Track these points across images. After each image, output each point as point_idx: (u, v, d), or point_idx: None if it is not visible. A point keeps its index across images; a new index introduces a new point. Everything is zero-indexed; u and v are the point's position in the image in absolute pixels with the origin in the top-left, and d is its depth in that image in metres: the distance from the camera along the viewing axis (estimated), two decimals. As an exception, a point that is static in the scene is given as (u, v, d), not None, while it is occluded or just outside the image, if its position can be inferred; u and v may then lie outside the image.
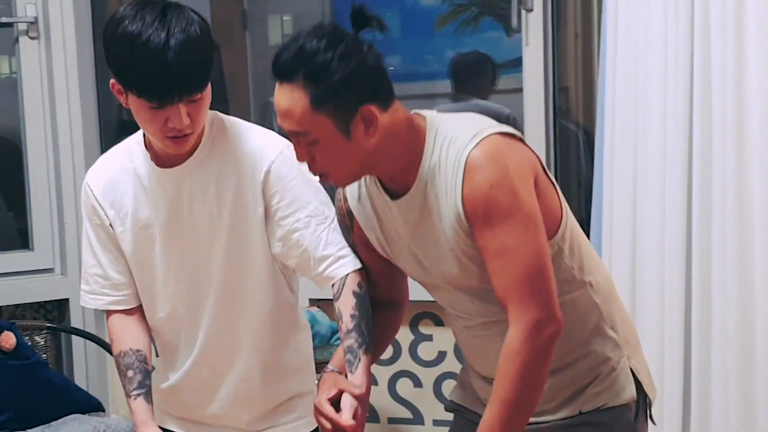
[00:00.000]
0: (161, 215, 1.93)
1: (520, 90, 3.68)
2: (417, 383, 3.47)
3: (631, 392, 1.78)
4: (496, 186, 1.60)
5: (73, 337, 3.51)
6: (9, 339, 3.29)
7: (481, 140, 1.62)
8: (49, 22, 3.46)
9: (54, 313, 3.55)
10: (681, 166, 2.59)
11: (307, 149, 1.67)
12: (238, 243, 1.91)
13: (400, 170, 1.70)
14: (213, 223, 1.90)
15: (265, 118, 4.96)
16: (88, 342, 3.46)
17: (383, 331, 1.89)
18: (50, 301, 3.52)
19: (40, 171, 3.49)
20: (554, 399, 1.78)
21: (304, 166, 1.72)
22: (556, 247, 1.70)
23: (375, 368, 3.52)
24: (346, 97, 1.61)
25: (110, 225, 1.97)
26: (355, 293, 1.85)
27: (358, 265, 1.87)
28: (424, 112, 1.73)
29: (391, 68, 5.13)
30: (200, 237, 1.91)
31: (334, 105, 1.62)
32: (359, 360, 1.79)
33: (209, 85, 1.79)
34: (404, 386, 3.48)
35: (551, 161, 3.05)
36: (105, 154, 2.04)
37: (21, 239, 3.63)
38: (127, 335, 2.02)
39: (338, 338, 3.10)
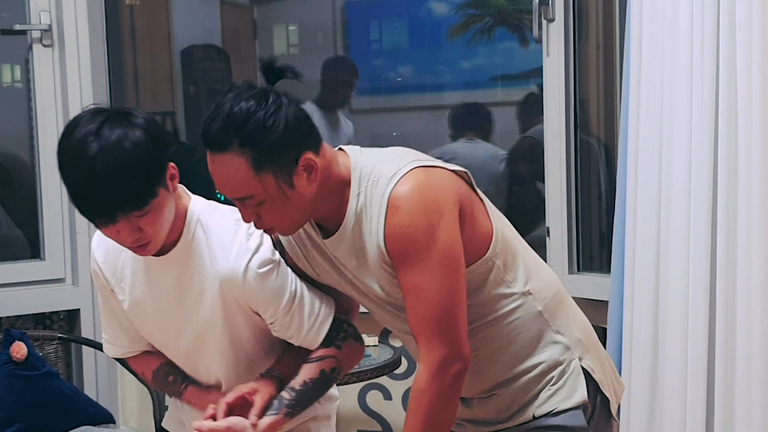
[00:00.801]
0: (153, 295, 1.93)
1: (536, 100, 3.66)
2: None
3: (582, 394, 1.79)
4: (412, 225, 1.64)
5: (84, 347, 3.48)
6: (20, 349, 3.27)
7: (401, 178, 1.66)
8: (63, 30, 3.44)
9: (64, 323, 3.52)
10: (706, 179, 2.56)
11: (253, 210, 1.70)
12: (229, 320, 1.90)
13: (331, 210, 1.75)
14: (203, 306, 1.90)
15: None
16: (99, 353, 3.43)
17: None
18: (61, 311, 3.50)
19: (52, 180, 3.46)
20: (509, 409, 1.81)
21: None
22: (489, 263, 1.74)
23: (389, 382, 3.53)
24: (285, 152, 1.65)
25: (111, 290, 1.99)
26: (322, 371, 1.88)
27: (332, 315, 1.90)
28: (349, 150, 1.76)
29: (398, 79, 5.09)
30: (191, 320, 1.91)
31: (276, 163, 1.65)
32: (277, 414, 1.84)
33: (163, 192, 1.74)
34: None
35: (571, 173, 3.02)
36: None
37: (32, 249, 3.60)
38: (152, 358, 2.05)
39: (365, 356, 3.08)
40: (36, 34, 3.44)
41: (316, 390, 1.88)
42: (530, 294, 1.77)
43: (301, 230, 1.80)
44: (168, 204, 1.78)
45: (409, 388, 3.37)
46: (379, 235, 1.69)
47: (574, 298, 3.09)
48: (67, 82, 3.46)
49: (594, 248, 3.17)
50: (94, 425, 3.23)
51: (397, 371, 3.24)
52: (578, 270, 3.09)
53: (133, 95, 4.45)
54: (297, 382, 1.86)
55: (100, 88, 3.55)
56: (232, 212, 1.83)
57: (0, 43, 3.74)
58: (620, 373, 2.68)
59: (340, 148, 1.78)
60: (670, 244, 2.64)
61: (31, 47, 3.46)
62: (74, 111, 3.48)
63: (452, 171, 1.72)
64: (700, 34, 2.54)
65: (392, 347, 3.20)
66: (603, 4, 3.09)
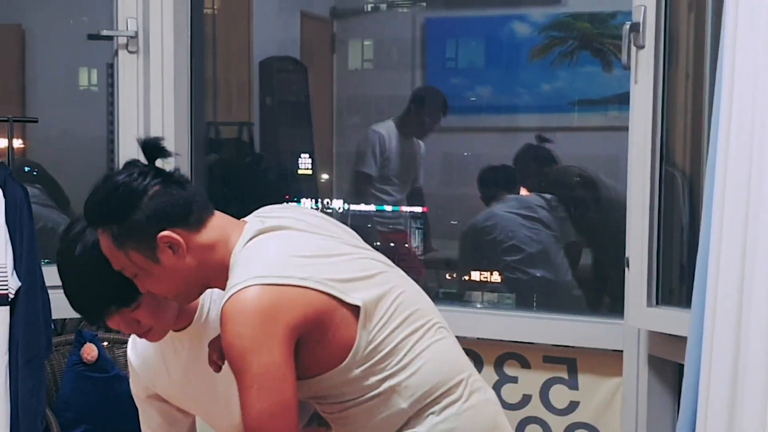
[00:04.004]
0: (187, 374, 2.00)
1: (617, 128, 3.61)
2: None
3: None
4: (227, 346, 1.69)
5: (153, 353, 3.50)
6: (91, 351, 3.31)
7: (234, 294, 1.69)
8: (149, 37, 3.48)
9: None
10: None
11: (137, 282, 1.81)
12: None
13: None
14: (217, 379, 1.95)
15: (343, 142, 4.96)
16: (167, 359, 3.44)
17: None
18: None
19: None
20: None
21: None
22: (346, 371, 1.76)
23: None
24: (143, 230, 1.75)
25: (153, 394, 2.12)
26: None
27: None
28: (247, 231, 1.79)
29: (472, 99, 5.07)
30: (230, 385, 1.90)
31: (135, 240, 1.76)
32: None
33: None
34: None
35: (654, 204, 2.96)
36: None
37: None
38: None
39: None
40: (122, 41, 3.48)
41: None
42: (395, 391, 1.78)
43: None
44: (155, 300, 1.84)
45: (523, 419, 3.33)
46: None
47: (651, 332, 3.08)
48: (150, 89, 3.50)
49: (674, 282, 3.10)
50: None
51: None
52: (657, 303, 3.02)
53: (210, 104, 4.48)
54: None
55: (181, 95, 3.58)
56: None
57: (81, 48, 3.80)
58: (696, 412, 2.61)
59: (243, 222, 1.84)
60: (754, 282, 2.57)
61: (116, 53, 3.51)
62: (155, 118, 3.54)
63: (306, 287, 1.72)
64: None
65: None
66: (695, 32, 3.03)
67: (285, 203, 1.96)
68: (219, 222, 1.81)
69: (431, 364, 1.80)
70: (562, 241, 3.97)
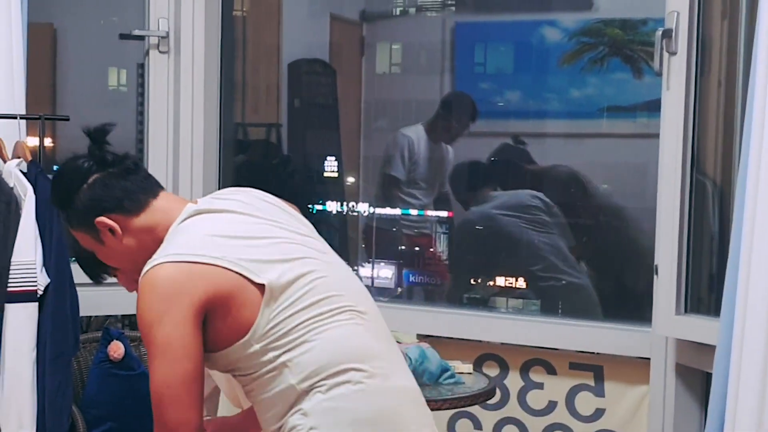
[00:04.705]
0: None
1: (646, 135, 3.58)
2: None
3: None
4: (138, 318, 1.82)
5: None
6: (118, 348, 3.32)
7: (150, 269, 1.82)
8: (180, 38, 3.50)
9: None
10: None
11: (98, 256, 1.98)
12: None
13: None
14: None
15: (370, 146, 4.95)
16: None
17: None
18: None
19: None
20: None
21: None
22: (247, 346, 1.84)
23: (480, 412, 3.48)
24: (84, 215, 1.93)
25: None
26: None
27: None
28: (184, 212, 1.91)
29: (500, 104, 5.06)
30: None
31: (80, 223, 1.94)
32: None
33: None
34: (509, 434, 3.40)
35: (684, 212, 2.94)
36: None
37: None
38: None
39: (448, 377, 3.04)
40: (153, 40, 3.50)
41: None
42: (287, 366, 1.84)
43: None
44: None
45: (548, 425, 3.34)
46: None
47: (679, 340, 3.05)
48: (180, 89, 3.52)
49: (702, 290, 3.08)
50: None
51: (491, 401, 3.19)
52: (685, 311, 3.00)
53: (239, 105, 4.49)
54: None
55: (211, 96, 3.59)
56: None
57: (111, 48, 3.82)
58: (723, 422, 2.59)
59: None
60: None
61: (147, 53, 3.53)
62: (185, 118, 3.56)
63: (217, 265, 1.81)
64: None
65: (487, 377, 3.15)
66: (728, 39, 3.00)
67: (251, 188, 2.05)
68: (163, 204, 1.94)
69: (326, 344, 1.85)
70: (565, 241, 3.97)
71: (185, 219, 1.90)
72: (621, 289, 3.94)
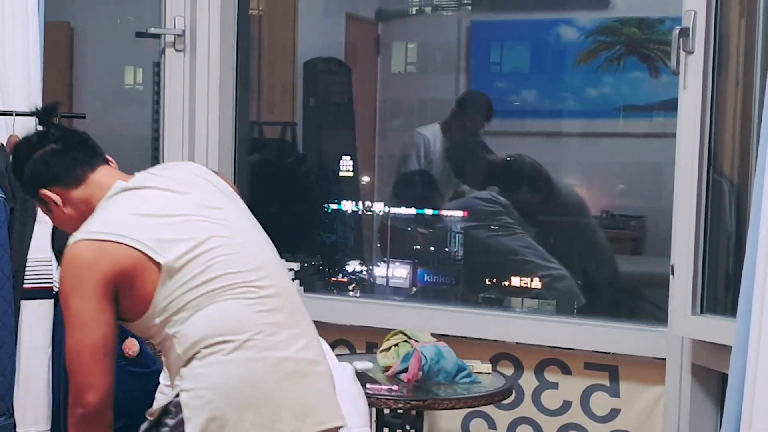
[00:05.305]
0: None
1: (663, 135, 3.56)
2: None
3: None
4: (59, 290, 2.05)
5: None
6: (133, 346, 3.32)
7: (70, 245, 2.03)
8: (195, 36, 3.50)
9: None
10: None
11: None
12: None
13: None
14: None
15: (385, 145, 4.95)
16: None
17: None
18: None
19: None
20: None
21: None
22: (151, 318, 2.04)
23: (494, 411, 3.47)
24: (32, 186, 2.18)
25: None
26: None
27: None
28: (113, 188, 2.10)
29: (516, 103, 5.04)
30: None
31: (29, 193, 2.21)
32: None
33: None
34: (524, 433, 3.40)
35: (701, 211, 2.92)
36: None
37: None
38: None
39: (464, 376, 3.03)
40: (169, 39, 3.51)
41: None
42: (175, 337, 2.02)
43: None
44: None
45: (562, 425, 3.34)
46: None
47: (695, 340, 3.04)
48: (196, 87, 3.52)
49: (719, 290, 3.06)
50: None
51: (505, 401, 3.18)
52: (701, 311, 2.98)
53: (255, 104, 4.50)
54: None
55: (227, 94, 3.60)
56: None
57: (127, 47, 3.83)
58: (740, 422, 2.58)
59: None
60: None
61: (163, 51, 3.53)
62: (200, 116, 3.56)
63: (123, 243, 2.00)
64: None
65: (504, 376, 3.14)
66: (745, 38, 2.99)
67: (190, 162, 2.28)
68: (100, 177, 2.14)
69: (207, 319, 2.01)
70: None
71: (112, 196, 2.09)
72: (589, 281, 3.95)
